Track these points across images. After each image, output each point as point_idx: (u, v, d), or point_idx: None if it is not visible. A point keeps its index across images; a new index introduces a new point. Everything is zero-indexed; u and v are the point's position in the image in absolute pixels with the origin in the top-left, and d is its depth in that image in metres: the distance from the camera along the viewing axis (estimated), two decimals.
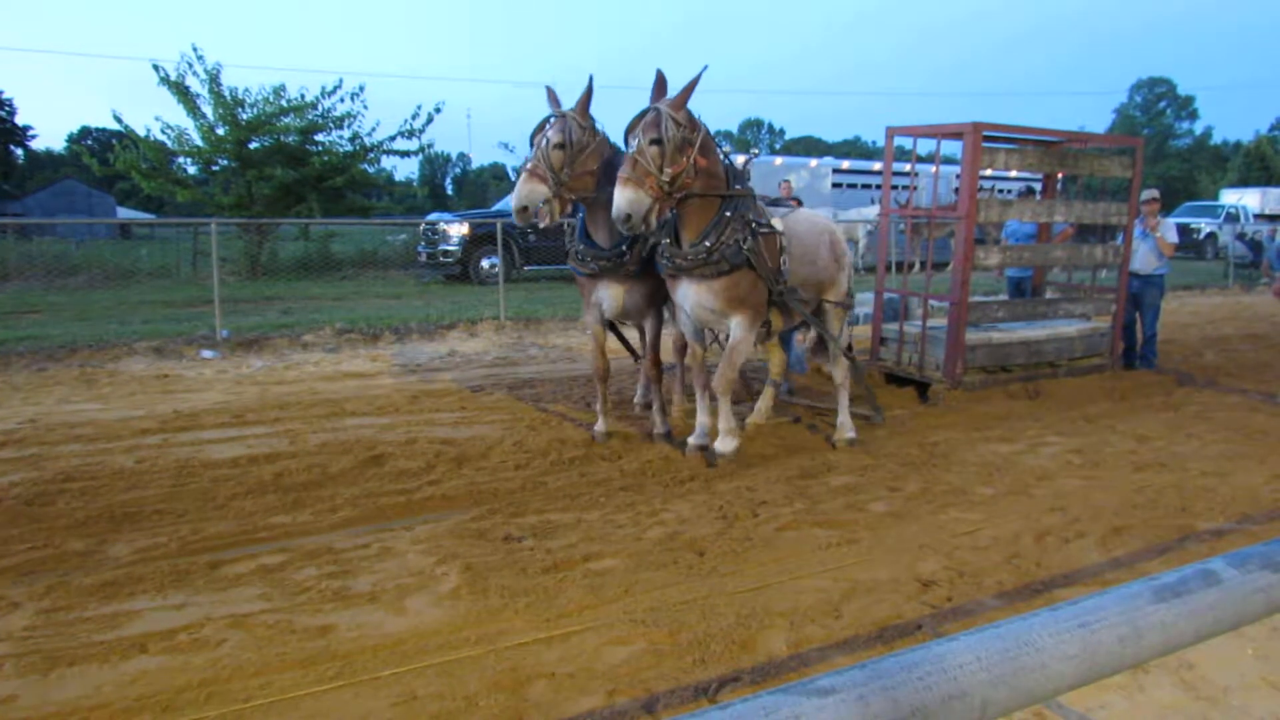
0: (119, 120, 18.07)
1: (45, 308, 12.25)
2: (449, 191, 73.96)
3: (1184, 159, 63.60)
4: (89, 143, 48.41)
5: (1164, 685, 3.00)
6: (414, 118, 19.39)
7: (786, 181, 14.94)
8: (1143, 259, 8.43)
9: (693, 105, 4.80)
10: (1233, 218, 26.63)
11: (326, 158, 18.90)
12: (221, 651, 3.12)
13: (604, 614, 3.43)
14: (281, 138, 18.57)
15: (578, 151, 5.04)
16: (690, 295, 5.11)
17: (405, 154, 20.29)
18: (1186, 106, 69.12)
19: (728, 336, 5.39)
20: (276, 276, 16.51)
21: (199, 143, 18.18)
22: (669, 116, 4.62)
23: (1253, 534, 4.44)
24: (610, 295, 5.51)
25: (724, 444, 5.35)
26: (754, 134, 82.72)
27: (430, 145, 21.56)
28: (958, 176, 10.88)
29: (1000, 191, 19.92)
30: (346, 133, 19.27)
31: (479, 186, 65.71)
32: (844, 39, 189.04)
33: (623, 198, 4.52)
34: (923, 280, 7.77)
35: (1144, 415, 6.94)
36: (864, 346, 8.18)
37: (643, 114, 4.72)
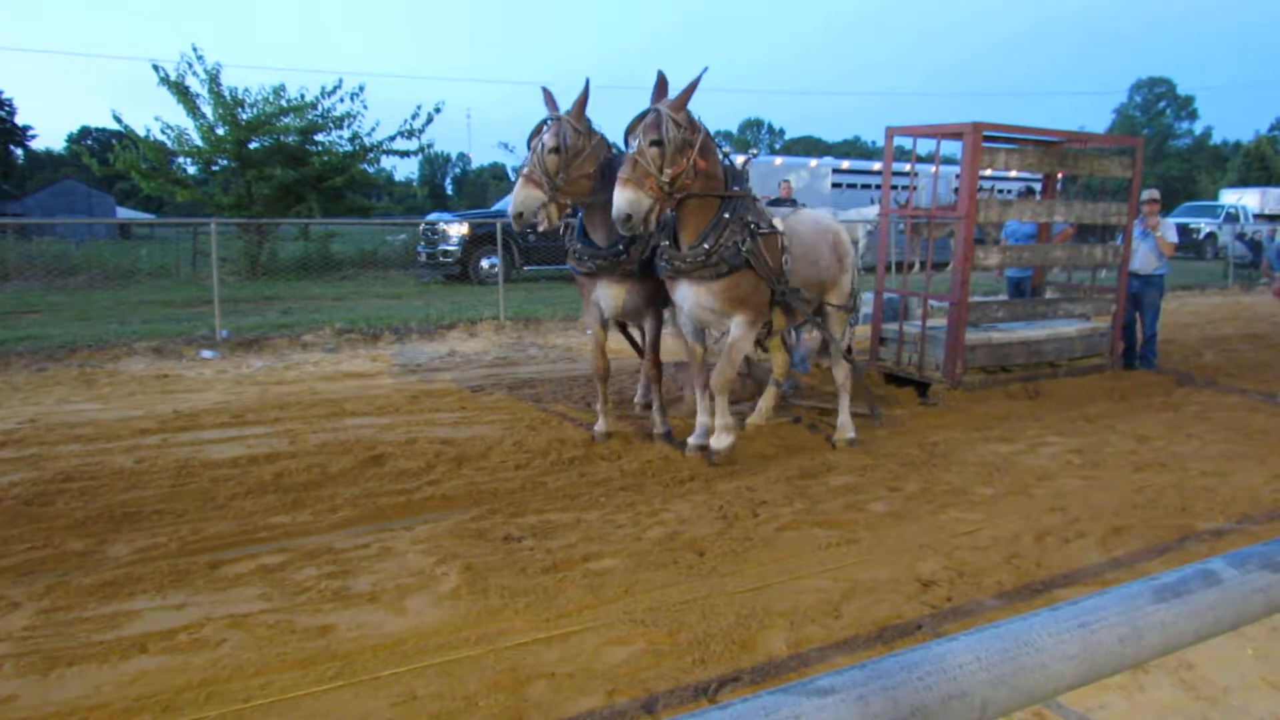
0: (119, 120, 18.09)
1: (45, 308, 12.25)
2: (449, 191, 73.97)
3: (1184, 159, 63.61)
4: (89, 143, 48.40)
5: (1164, 685, 3.00)
6: (414, 118, 19.41)
7: (786, 181, 14.97)
8: (1143, 259, 8.43)
9: (692, 105, 4.81)
10: (1232, 218, 26.64)
11: (326, 158, 18.90)
12: (221, 651, 3.12)
13: (604, 614, 3.43)
14: (281, 138, 18.58)
15: (573, 155, 5.04)
16: (689, 296, 5.11)
17: (405, 154, 20.32)
18: (1186, 106, 69.15)
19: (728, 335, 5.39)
20: (276, 276, 16.51)
21: (199, 143, 18.19)
22: (669, 118, 4.62)
23: (1253, 534, 4.44)
24: (609, 295, 5.51)
25: (718, 441, 5.34)
26: (754, 134, 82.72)
27: (430, 145, 21.59)
28: (957, 176, 10.88)
29: (1000, 191, 19.92)
30: (346, 133, 19.31)
31: (479, 186, 65.71)
32: (844, 39, 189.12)
33: (623, 198, 4.52)
34: (922, 280, 7.77)
35: (1144, 415, 6.94)
36: (864, 346, 8.19)
37: (643, 115, 4.73)
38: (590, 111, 5.21)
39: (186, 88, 17.48)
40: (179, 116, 20.24)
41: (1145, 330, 8.66)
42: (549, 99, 5.21)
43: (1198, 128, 69.33)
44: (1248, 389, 7.97)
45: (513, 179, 5.31)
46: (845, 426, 5.94)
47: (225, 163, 18.54)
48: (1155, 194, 8.53)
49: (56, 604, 3.45)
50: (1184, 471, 5.45)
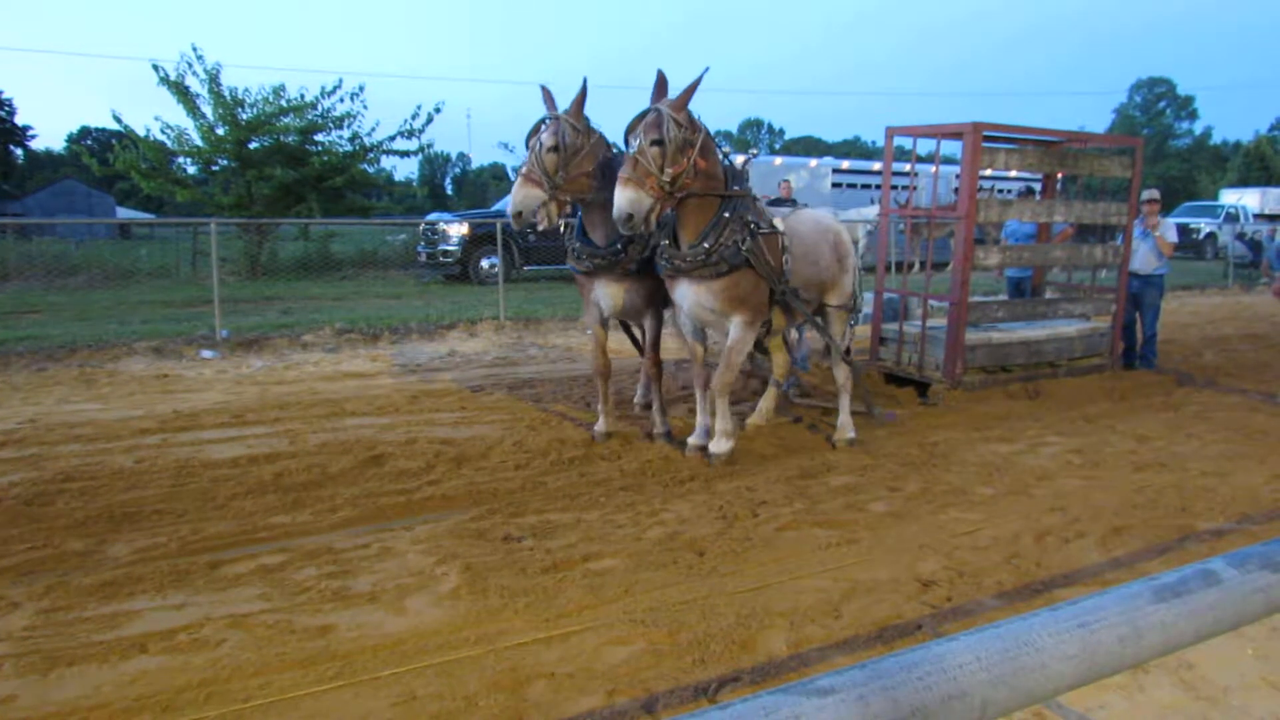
0: (119, 120, 18.09)
1: (45, 308, 12.25)
2: (449, 191, 73.98)
3: (1184, 159, 63.61)
4: (89, 143, 48.41)
5: (1164, 685, 3.00)
6: (414, 118, 19.42)
7: (786, 181, 14.94)
8: (1142, 259, 8.43)
9: (693, 105, 4.81)
10: (1232, 218, 26.64)
11: (326, 158, 18.90)
12: (221, 651, 3.12)
13: (604, 614, 3.43)
14: (281, 138, 18.58)
15: (572, 154, 5.04)
16: (689, 296, 5.11)
17: (405, 154, 20.32)
18: (1186, 106, 69.15)
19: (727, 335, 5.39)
20: (276, 276, 16.52)
21: (199, 143, 18.19)
22: (670, 117, 4.63)
23: (1253, 534, 4.44)
24: (608, 294, 5.51)
25: (718, 445, 5.34)
26: (754, 134, 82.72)
27: (430, 145, 21.59)
28: (957, 176, 10.88)
29: (1000, 191, 19.91)
30: (346, 133, 19.31)
31: (479, 186, 65.72)
32: (844, 39, 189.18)
33: (624, 198, 4.53)
34: (922, 280, 7.77)
35: (1144, 415, 6.94)
36: (864, 346, 8.19)
37: (643, 114, 4.73)
38: (590, 111, 5.21)
39: (186, 88, 17.48)
40: (179, 116, 20.30)
41: (1145, 330, 8.66)
42: (548, 98, 5.21)
43: (1198, 128, 69.42)
44: (1248, 389, 7.97)
45: (512, 179, 5.31)
46: (845, 426, 5.94)
47: (225, 163, 18.54)
48: (1155, 194, 8.53)
49: (56, 604, 3.45)
50: (1184, 471, 5.45)
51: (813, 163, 22.91)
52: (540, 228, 5.13)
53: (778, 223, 5.29)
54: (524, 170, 5.02)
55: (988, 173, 11.32)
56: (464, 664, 3.06)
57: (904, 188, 11.51)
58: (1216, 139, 68.54)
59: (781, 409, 6.57)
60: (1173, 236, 8.49)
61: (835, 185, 22.03)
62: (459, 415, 6.60)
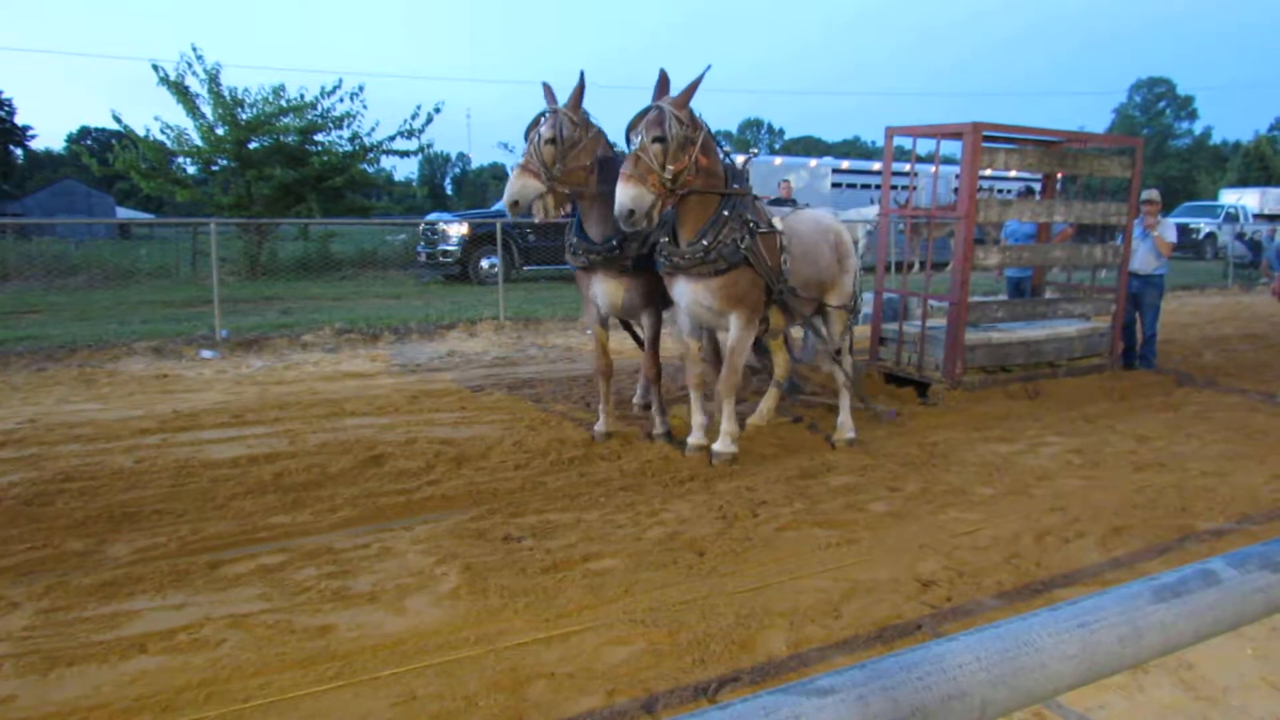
0: (118, 120, 18.09)
1: (45, 308, 12.25)
2: (448, 191, 73.99)
3: (1183, 159, 63.63)
4: (88, 143, 48.41)
5: (1164, 685, 3.00)
6: (413, 118, 19.42)
7: (786, 181, 14.97)
8: (1142, 259, 8.43)
9: (694, 105, 4.83)
10: (1232, 218, 26.65)
11: (326, 158, 18.90)
12: (221, 651, 3.11)
13: (604, 614, 3.43)
14: (281, 138, 18.58)
15: (569, 147, 5.07)
16: (687, 293, 5.12)
17: (405, 154, 20.33)
18: (1186, 106, 69.17)
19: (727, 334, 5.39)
20: (276, 276, 16.52)
21: (198, 143, 18.19)
22: (672, 115, 4.64)
23: (1252, 534, 4.44)
24: (605, 291, 5.52)
25: (723, 445, 5.34)
26: (754, 134, 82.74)
27: (430, 145, 21.60)
28: (957, 176, 10.88)
29: (999, 191, 19.92)
30: (346, 133, 19.32)
31: (478, 186, 65.74)
32: (844, 39, 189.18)
33: (625, 194, 4.54)
34: (922, 280, 7.77)
35: (1144, 415, 6.94)
36: (864, 346, 8.18)
37: (645, 111, 4.75)
38: (586, 107, 5.24)
39: (186, 88, 17.48)
40: (179, 116, 20.28)
41: (1145, 330, 8.66)
42: (549, 94, 5.25)
43: (1197, 128, 69.45)
44: (1247, 389, 7.97)
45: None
46: (845, 426, 5.94)
47: (225, 163, 18.54)
48: (1155, 195, 8.53)
49: (56, 604, 3.45)
50: (1184, 471, 5.45)
51: (812, 163, 22.92)
52: (537, 219, 5.15)
53: (776, 222, 5.30)
54: (522, 161, 5.06)
55: (987, 173, 11.32)
56: (464, 664, 3.06)
57: (904, 188, 11.51)
58: (1216, 139, 68.63)
59: (781, 409, 6.56)
60: (1171, 236, 8.49)
61: (835, 185, 22.04)
62: (459, 415, 6.60)
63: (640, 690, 2.90)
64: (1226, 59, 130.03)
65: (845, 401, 6.02)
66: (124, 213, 44.26)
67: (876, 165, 21.54)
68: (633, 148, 4.70)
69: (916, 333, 7.50)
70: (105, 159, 18.47)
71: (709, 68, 4.85)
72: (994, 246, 8.03)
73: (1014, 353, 7.70)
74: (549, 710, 2.80)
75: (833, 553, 4.08)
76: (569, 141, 5.06)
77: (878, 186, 20.69)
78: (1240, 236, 21.77)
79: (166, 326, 10.13)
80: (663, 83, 4.91)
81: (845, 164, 23.51)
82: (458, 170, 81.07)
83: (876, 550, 4.13)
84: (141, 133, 18.12)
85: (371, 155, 19.68)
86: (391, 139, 19.59)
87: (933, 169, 11.70)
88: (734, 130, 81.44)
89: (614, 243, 5.28)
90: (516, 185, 5.01)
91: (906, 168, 8.88)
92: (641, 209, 4.58)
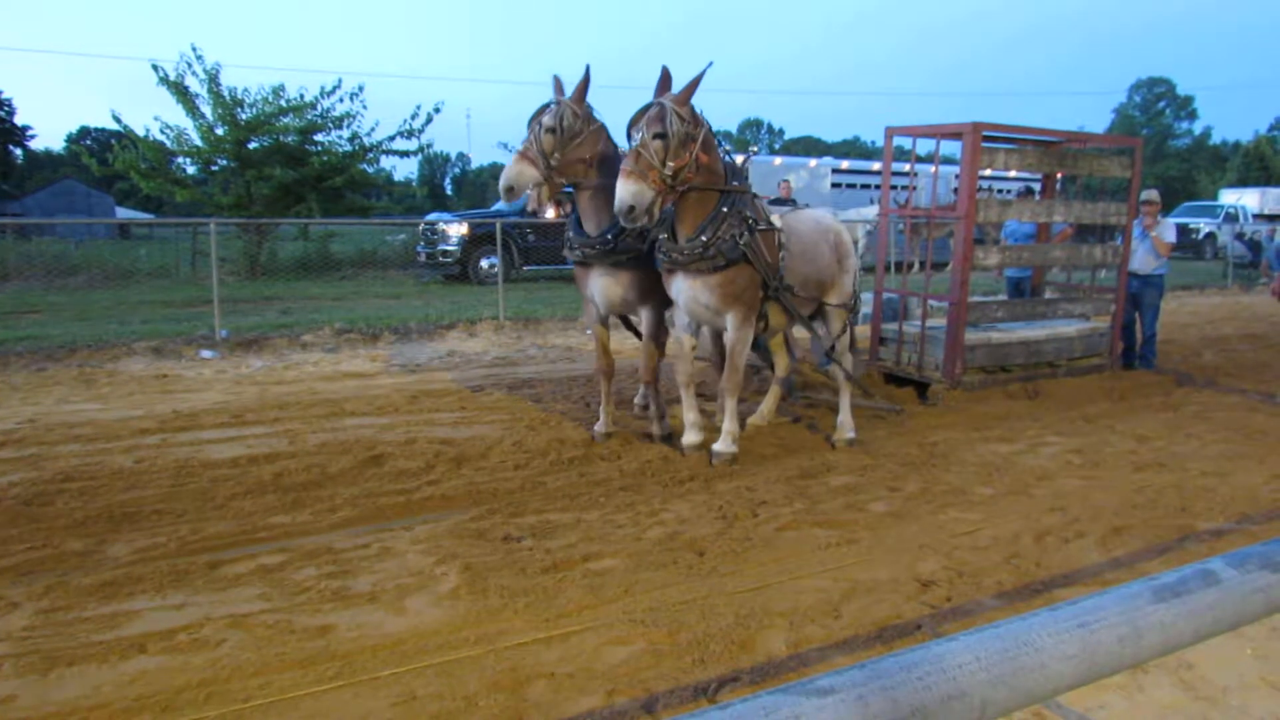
0: (118, 120, 18.09)
1: (44, 308, 12.25)
2: (448, 191, 73.99)
3: (1183, 159, 63.64)
4: (88, 143, 48.40)
5: (1163, 685, 3.00)
6: (413, 118, 19.41)
7: (786, 181, 14.95)
8: (1141, 259, 8.43)
9: (694, 103, 4.83)
10: (1232, 218, 26.65)
11: (326, 158, 18.90)
12: (221, 651, 3.11)
13: (603, 614, 3.43)
14: (281, 138, 18.58)
15: (569, 138, 5.09)
16: (686, 290, 5.13)
17: (404, 154, 20.33)
18: (1186, 106, 69.18)
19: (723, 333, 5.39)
20: (276, 276, 16.51)
21: (198, 143, 18.19)
22: (673, 111, 4.65)
23: (1252, 534, 4.44)
24: (602, 287, 5.53)
25: (724, 445, 5.35)
26: (754, 134, 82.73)
27: (429, 145, 21.59)
28: (957, 176, 10.88)
29: (999, 191, 19.92)
30: (346, 133, 19.31)
31: (478, 186, 65.74)
32: (844, 39, 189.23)
33: (626, 190, 4.55)
34: (922, 280, 7.77)
35: (1143, 415, 6.94)
36: (863, 346, 8.18)
37: (646, 108, 4.76)
38: (590, 102, 5.26)
39: (186, 88, 17.48)
40: (178, 116, 20.25)
41: (1145, 330, 8.67)
42: (558, 87, 5.30)
43: (1197, 128, 69.45)
44: (1247, 389, 7.97)
45: None
46: (845, 426, 5.94)
47: (225, 163, 18.54)
48: (1154, 195, 8.54)
49: (56, 604, 3.45)
50: (1184, 471, 5.45)
51: (812, 163, 22.93)
52: (529, 208, 5.17)
53: (775, 219, 5.31)
54: (521, 148, 5.07)
55: (987, 173, 11.32)
56: (464, 664, 3.06)
57: (903, 188, 11.51)
58: (1216, 139, 68.63)
59: (781, 409, 6.56)
60: (1170, 237, 8.49)
61: (835, 185, 22.04)
62: (458, 415, 6.60)
63: (640, 690, 2.90)
64: (1226, 59, 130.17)
65: (845, 401, 6.02)
66: (124, 213, 44.25)
67: (876, 165, 21.54)
68: (634, 144, 4.71)
69: (916, 333, 7.50)
70: (105, 159, 18.46)
71: (710, 65, 4.86)
72: (994, 246, 8.03)
73: (1014, 353, 7.70)
74: (549, 710, 2.80)
75: (833, 553, 4.08)
76: (569, 132, 5.08)
77: (877, 186, 20.69)
78: (1240, 236, 21.78)
79: (166, 326, 10.13)
80: (664, 80, 4.92)
81: (845, 164, 23.53)
82: (457, 170, 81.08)
83: (876, 550, 4.13)
84: (141, 133, 18.13)
85: (371, 155, 19.68)
86: (391, 139, 19.60)
87: (933, 169, 11.70)
88: (734, 130, 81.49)
89: (609, 237, 5.30)
90: (513, 171, 5.02)
91: (906, 168, 8.88)
92: (642, 205, 4.59)
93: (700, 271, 5.01)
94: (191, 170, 19.54)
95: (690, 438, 5.47)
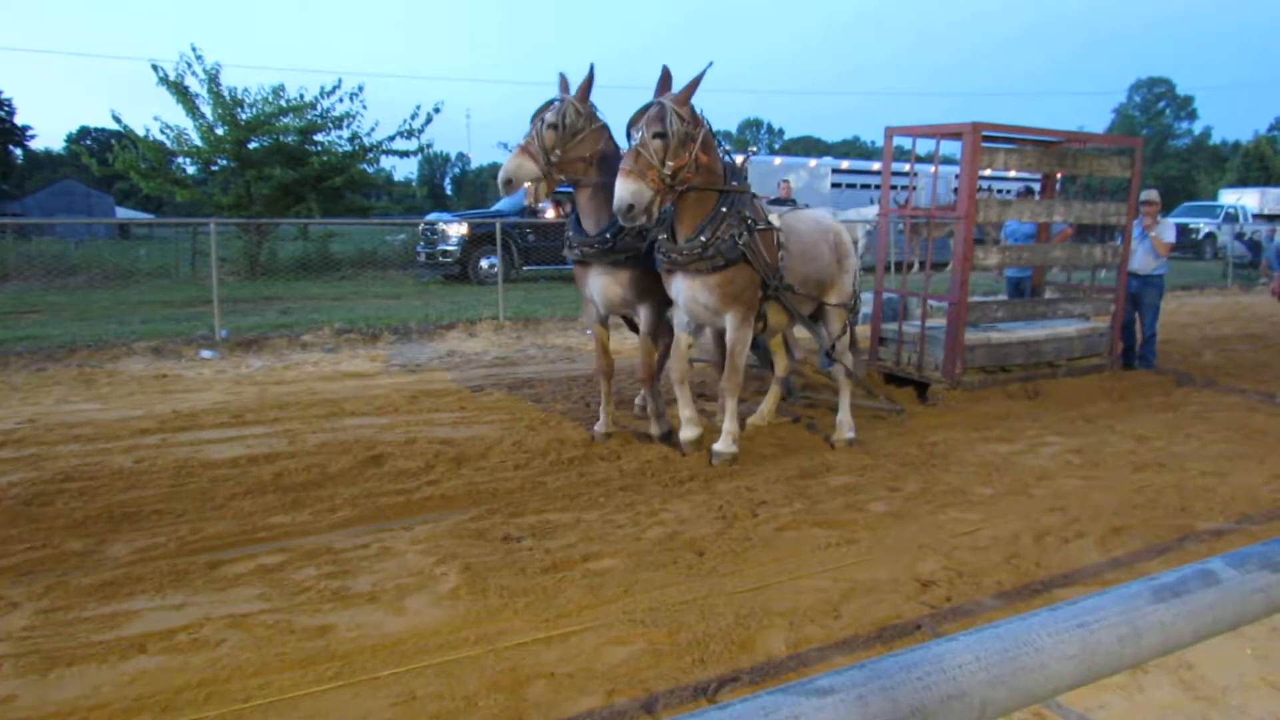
0: (118, 120, 18.09)
1: (44, 308, 12.25)
2: (448, 191, 73.99)
3: (1183, 159, 63.65)
4: (88, 143, 48.40)
5: (1163, 685, 3.00)
6: (413, 118, 19.42)
7: (786, 181, 14.95)
8: (1141, 260, 8.43)
9: (694, 103, 4.83)
10: (1231, 218, 26.65)
11: (325, 158, 18.90)
12: (221, 651, 3.11)
13: (603, 614, 3.43)
14: (280, 138, 18.58)
15: (571, 135, 5.11)
16: (685, 290, 5.14)
17: (404, 154, 20.33)
18: (1185, 106, 69.21)
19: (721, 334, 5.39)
20: (275, 276, 16.51)
21: (198, 143, 18.19)
22: (673, 111, 4.65)
23: (1252, 534, 4.44)
24: (600, 286, 5.54)
25: (723, 444, 5.35)
26: (753, 134, 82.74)
27: (429, 145, 21.60)
28: (957, 176, 10.89)
29: (999, 191, 19.92)
30: (345, 133, 19.32)
31: (478, 186, 65.75)
32: (844, 39, 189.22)
33: (625, 189, 4.55)
34: (922, 280, 7.78)
35: (1143, 415, 6.94)
36: (863, 346, 8.18)
37: (646, 107, 4.77)
38: (593, 101, 5.28)
39: (186, 88, 17.48)
40: (178, 116, 20.28)
41: (1144, 330, 8.67)
42: (563, 84, 5.32)
43: (1197, 128, 69.47)
44: (1247, 389, 7.97)
45: None
46: (844, 426, 5.94)
47: (224, 163, 18.54)
48: (1154, 195, 8.53)
49: (56, 604, 3.45)
50: (1183, 471, 5.45)
51: (812, 163, 22.94)
52: (526, 203, 5.19)
53: (774, 219, 5.31)
54: (523, 143, 5.11)
55: (987, 173, 11.32)
56: (464, 664, 3.06)
57: (903, 188, 11.51)
58: (1216, 139, 68.63)
59: (781, 409, 6.56)
60: (1169, 237, 8.49)
61: (835, 185, 22.05)
62: (458, 415, 6.60)
63: (640, 690, 2.90)
64: (1226, 59, 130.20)
65: (845, 401, 6.02)
66: (124, 213, 44.25)
67: (876, 165, 21.54)
68: (633, 143, 4.72)
69: (916, 333, 7.50)
70: (105, 159, 18.47)
71: (710, 65, 4.86)
72: (994, 246, 8.03)
73: (1013, 353, 7.70)
74: (549, 710, 2.80)
75: (832, 553, 4.08)
76: (571, 130, 5.11)
77: (877, 186, 20.69)
78: (1240, 236, 21.79)
79: (166, 326, 10.13)
80: (665, 80, 4.93)
81: (845, 164, 23.54)
82: (457, 170, 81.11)
83: (876, 550, 4.13)
84: (141, 133, 18.13)
85: (371, 155, 19.68)
86: (391, 139, 19.61)
87: (932, 169, 11.70)
88: (734, 130, 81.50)
89: (607, 236, 5.30)
90: (513, 164, 5.05)
91: (906, 168, 8.88)
92: (641, 204, 4.59)
93: (699, 272, 5.02)
94: (191, 170, 19.56)
95: (687, 433, 5.48)
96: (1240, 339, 11.33)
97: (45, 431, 5.95)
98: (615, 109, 5.26)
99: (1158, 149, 62.71)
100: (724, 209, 4.98)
